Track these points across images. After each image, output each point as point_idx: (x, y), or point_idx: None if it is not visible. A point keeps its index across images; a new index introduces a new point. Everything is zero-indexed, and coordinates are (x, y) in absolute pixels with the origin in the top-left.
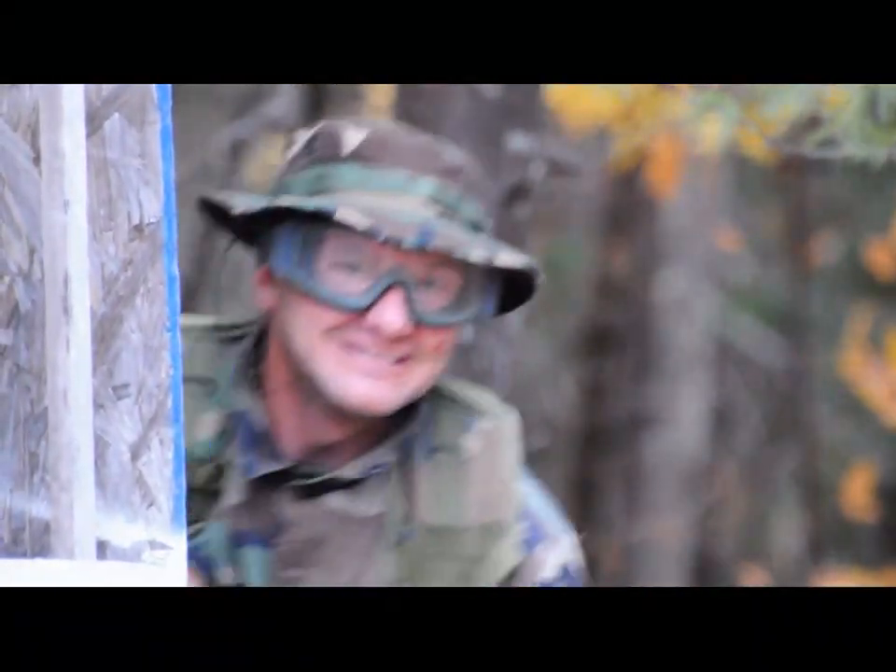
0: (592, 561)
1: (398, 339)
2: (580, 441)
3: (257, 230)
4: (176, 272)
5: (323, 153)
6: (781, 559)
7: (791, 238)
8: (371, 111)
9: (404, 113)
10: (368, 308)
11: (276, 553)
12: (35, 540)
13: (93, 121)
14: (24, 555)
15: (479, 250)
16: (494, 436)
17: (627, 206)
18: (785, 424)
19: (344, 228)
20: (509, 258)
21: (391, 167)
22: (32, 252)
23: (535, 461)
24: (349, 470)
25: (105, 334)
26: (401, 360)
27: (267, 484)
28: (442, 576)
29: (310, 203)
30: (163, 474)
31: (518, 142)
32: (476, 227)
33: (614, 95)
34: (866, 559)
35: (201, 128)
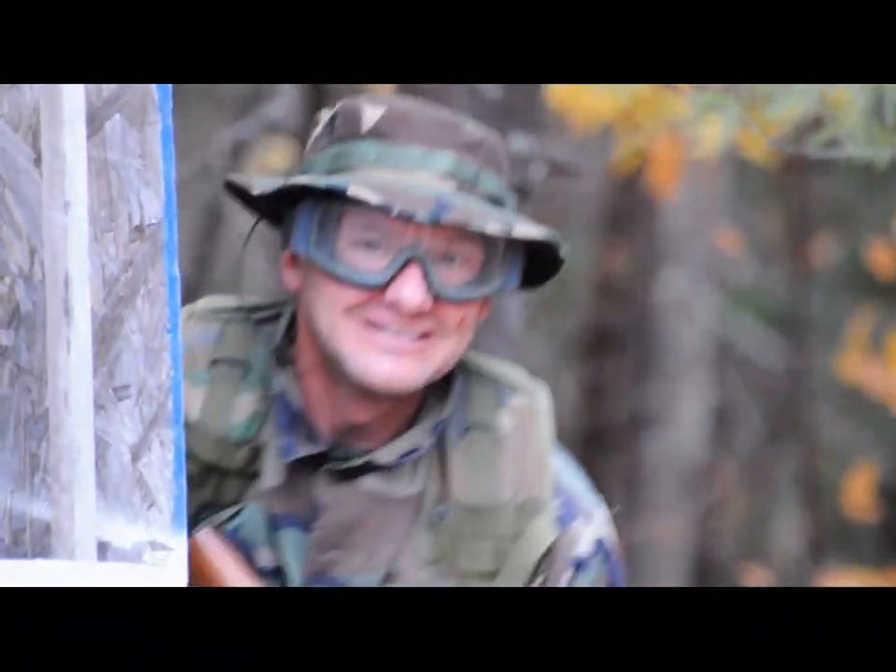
0: None
1: (418, 315)
2: (580, 441)
3: (281, 211)
4: (177, 273)
5: (342, 131)
6: (782, 559)
7: (791, 238)
8: None
9: None
10: (387, 285)
11: (313, 535)
12: (36, 541)
13: (94, 122)
14: (25, 556)
15: (495, 223)
16: (527, 412)
17: (628, 207)
18: (785, 424)
19: (359, 205)
20: (527, 229)
21: (408, 143)
22: (33, 253)
23: None
24: (385, 455)
25: (105, 335)
26: (423, 336)
27: (304, 467)
28: (478, 555)
29: (322, 181)
30: (164, 475)
31: (518, 142)
32: (496, 201)
33: (615, 95)
34: (867, 559)
35: (201, 129)
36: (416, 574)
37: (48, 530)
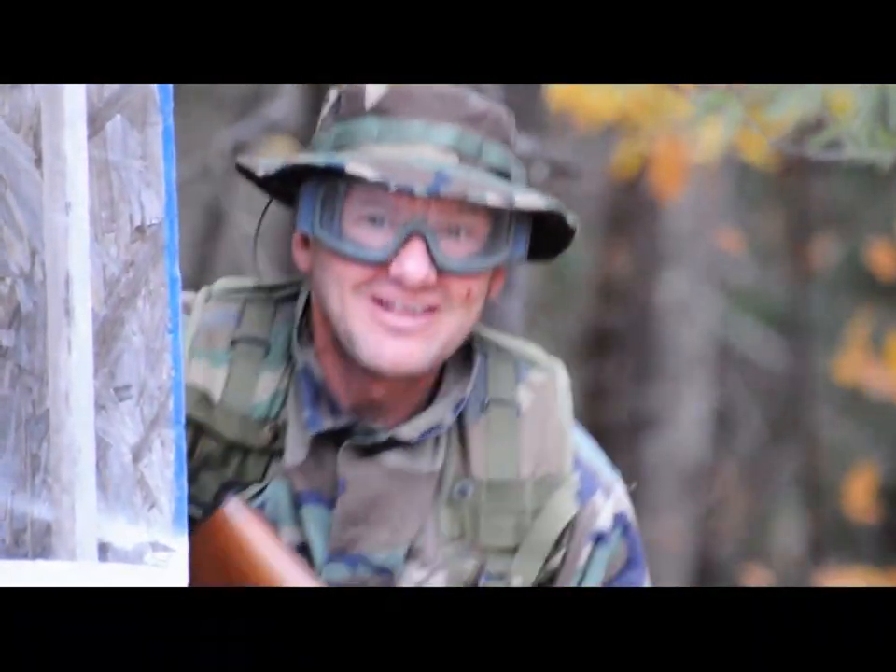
0: None
1: (423, 288)
2: None
3: (290, 191)
4: (178, 273)
5: (347, 110)
6: (782, 559)
7: (792, 240)
8: None
9: None
10: (391, 260)
11: (336, 512)
12: (37, 542)
13: (95, 123)
14: (26, 557)
15: (495, 194)
16: (546, 387)
17: (629, 208)
18: (786, 425)
19: (361, 182)
20: (529, 199)
21: (411, 117)
22: (33, 254)
23: None
24: (407, 431)
25: (106, 336)
26: (429, 311)
27: (326, 444)
28: (499, 530)
29: (321, 159)
30: (165, 476)
31: (519, 143)
32: (501, 172)
33: (616, 96)
34: (867, 559)
35: (202, 129)
36: (438, 550)
37: (48, 531)
